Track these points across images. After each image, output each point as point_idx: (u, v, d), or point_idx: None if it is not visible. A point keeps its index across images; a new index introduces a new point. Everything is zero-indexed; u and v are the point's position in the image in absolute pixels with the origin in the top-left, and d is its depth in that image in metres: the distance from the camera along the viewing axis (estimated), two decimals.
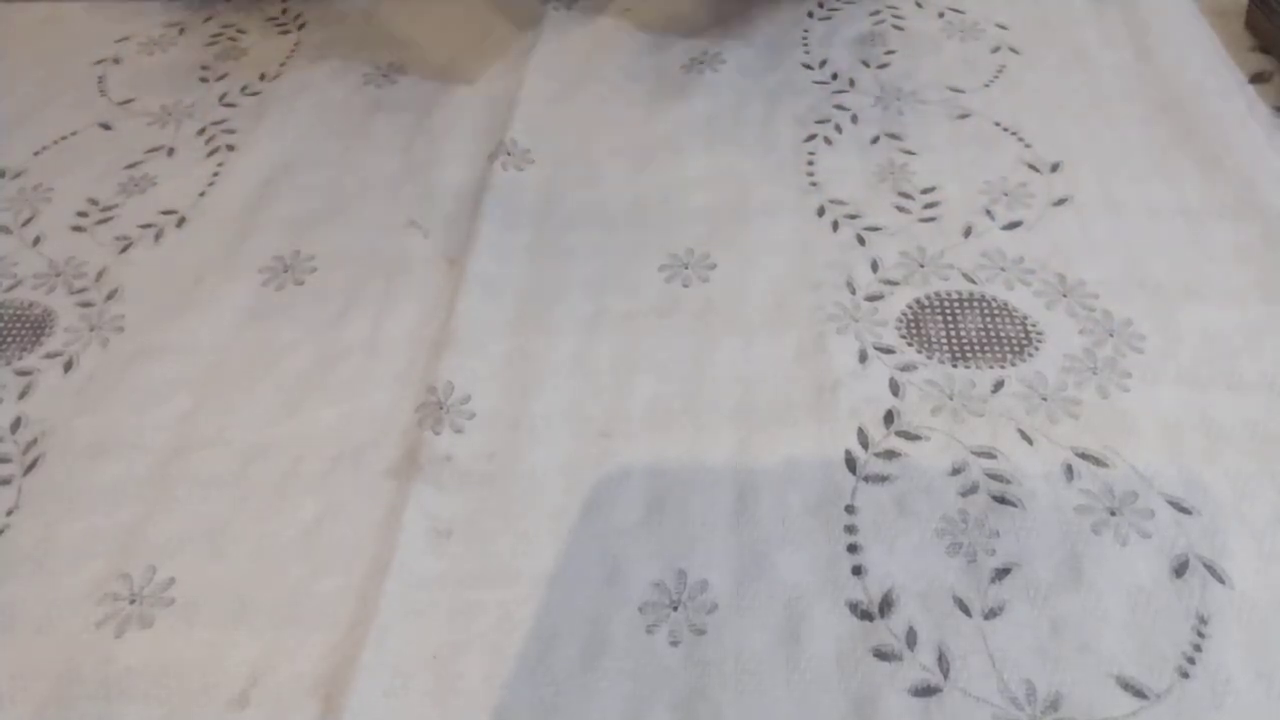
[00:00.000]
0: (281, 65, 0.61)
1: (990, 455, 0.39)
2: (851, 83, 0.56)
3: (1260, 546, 0.36)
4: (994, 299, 0.44)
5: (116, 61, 0.62)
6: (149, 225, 0.51)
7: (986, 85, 0.55)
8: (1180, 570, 0.35)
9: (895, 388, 0.41)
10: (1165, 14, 0.57)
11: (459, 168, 0.53)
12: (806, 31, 0.60)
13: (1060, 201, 0.48)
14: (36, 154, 0.56)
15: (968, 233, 0.47)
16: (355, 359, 0.44)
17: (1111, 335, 0.43)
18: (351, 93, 0.58)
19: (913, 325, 0.44)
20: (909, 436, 0.40)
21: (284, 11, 0.65)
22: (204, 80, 0.60)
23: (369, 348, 0.45)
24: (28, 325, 0.47)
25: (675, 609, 0.35)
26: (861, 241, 0.47)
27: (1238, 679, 0.33)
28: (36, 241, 0.51)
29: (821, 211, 0.49)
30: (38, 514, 0.40)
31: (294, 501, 0.39)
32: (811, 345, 0.43)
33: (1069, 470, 0.38)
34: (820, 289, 0.45)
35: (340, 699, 0.33)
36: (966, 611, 0.35)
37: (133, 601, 0.37)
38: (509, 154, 0.53)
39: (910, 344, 0.43)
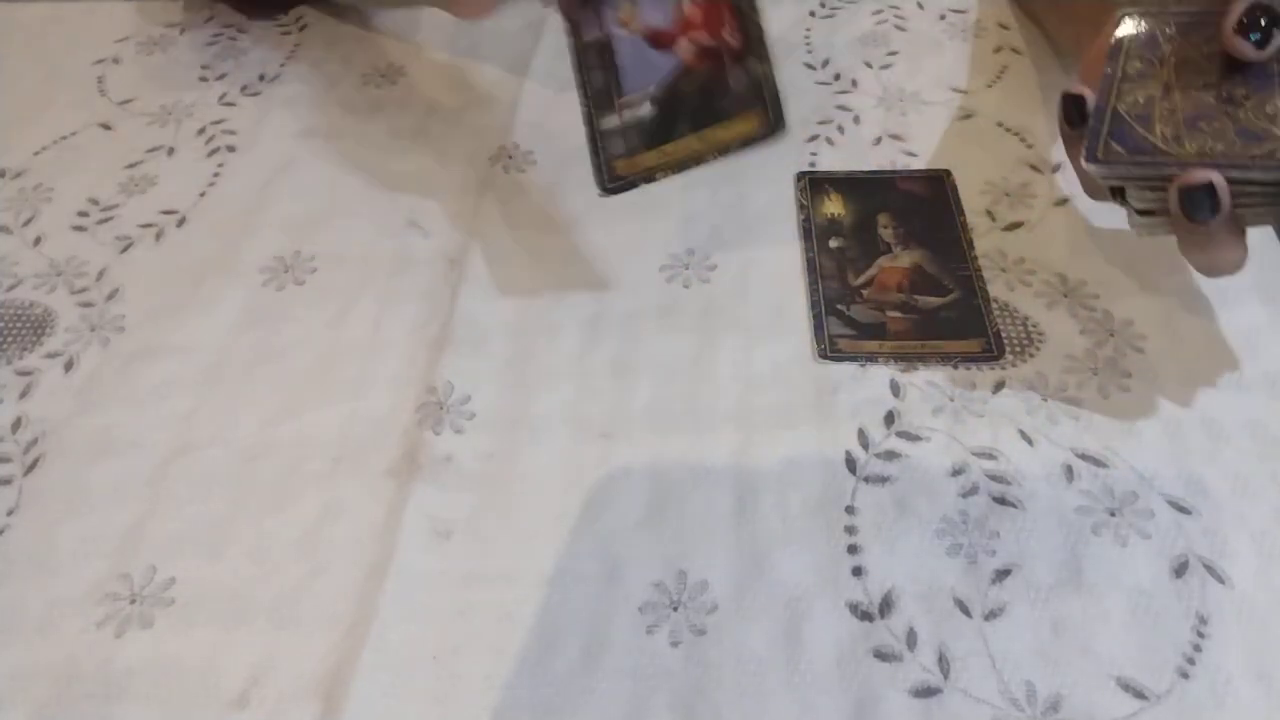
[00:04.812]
0: (281, 65, 0.61)
1: (991, 456, 0.39)
2: (854, 83, 0.57)
3: (1260, 546, 0.36)
4: (995, 299, 0.44)
5: (116, 61, 0.62)
6: (149, 225, 0.51)
7: (989, 85, 0.55)
8: (1180, 570, 0.35)
9: (896, 388, 0.41)
10: None
11: (459, 168, 0.53)
12: (809, 31, 0.61)
13: (1062, 202, 0.48)
14: (36, 154, 0.56)
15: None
16: (355, 359, 0.44)
17: (1112, 335, 0.43)
18: (351, 93, 0.58)
19: None
20: (909, 437, 0.40)
21: (285, 12, 0.65)
22: (204, 80, 0.60)
23: (369, 348, 0.45)
24: (28, 325, 0.47)
25: (675, 609, 0.35)
26: None
27: (1238, 679, 0.33)
28: (37, 241, 0.51)
29: None
30: (38, 514, 0.40)
31: (294, 501, 0.39)
32: (812, 346, 0.43)
33: (1069, 471, 0.38)
34: None
35: (340, 699, 0.33)
36: (967, 612, 0.35)
37: (133, 601, 0.37)
38: (510, 155, 0.53)
39: None
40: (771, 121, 0.38)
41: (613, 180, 0.39)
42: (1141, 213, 0.36)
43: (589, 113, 0.39)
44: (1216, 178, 0.33)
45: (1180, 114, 0.34)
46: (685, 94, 0.40)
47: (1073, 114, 0.36)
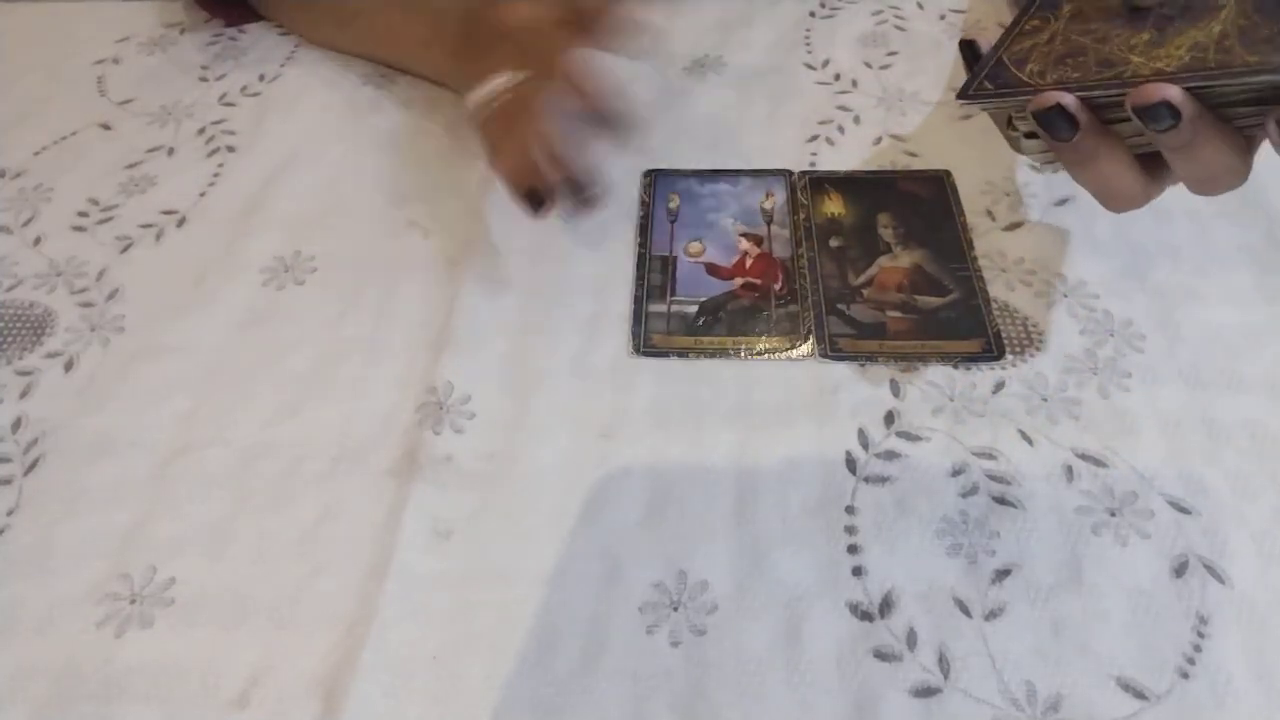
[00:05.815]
0: (281, 65, 0.61)
1: (991, 456, 0.39)
2: (854, 83, 0.57)
3: (1260, 546, 0.36)
4: (995, 299, 0.44)
5: (116, 61, 0.62)
6: (149, 225, 0.51)
7: None
8: (1180, 570, 0.35)
9: (896, 388, 0.41)
10: None
11: (459, 168, 0.53)
12: (809, 31, 0.61)
13: (1062, 202, 0.48)
14: (36, 154, 0.56)
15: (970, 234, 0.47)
16: (355, 359, 0.44)
17: (1112, 335, 0.43)
18: (351, 93, 0.58)
19: None
20: (909, 437, 0.40)
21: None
22: (204, 80, 0.60)
23: (369, 348, 0.45)
24: (28, 325, 0.47)
25: (675, 609, 0.35)
26: None
27: (1238, 679, 0.33)
28: (37, 241, 0.51)
29: None
30: (38, 514, 0.40)
31: (294, 501, 0.39)
32: (812, 346, 0.43)
33: (1069, 471, 0.38)
34: None
35: (340, 699, 0.34)
36: (967, 612, 0.35)
37: (133, 601, 0.37)
38: None
39: None
40: (803, 336, 0.42)
41: (647, 347, 0.43)
42: (1029, 136, 0.37)
43: (640, 297, 0.45)
44: (1064, 97, 0.34)
45: (1054, 55, 0.36)
46: (729, 309, 0.45)
47: (968, 58, 0.38)
